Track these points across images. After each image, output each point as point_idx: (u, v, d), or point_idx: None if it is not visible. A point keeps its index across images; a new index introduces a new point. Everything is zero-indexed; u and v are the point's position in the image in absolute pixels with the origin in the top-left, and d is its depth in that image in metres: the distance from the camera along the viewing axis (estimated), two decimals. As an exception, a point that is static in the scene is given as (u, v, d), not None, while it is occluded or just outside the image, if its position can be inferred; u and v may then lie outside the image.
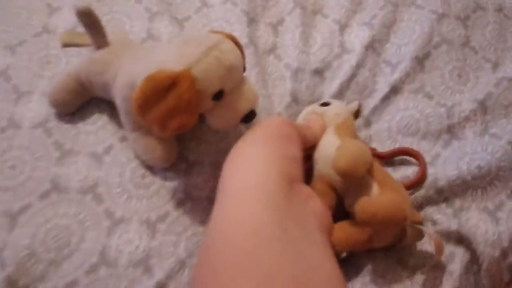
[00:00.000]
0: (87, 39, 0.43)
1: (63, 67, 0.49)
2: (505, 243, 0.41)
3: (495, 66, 0.53)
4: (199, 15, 0.57)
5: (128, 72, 0.39)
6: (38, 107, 0.46)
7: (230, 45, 0.36)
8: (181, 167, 0.44)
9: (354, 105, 0.45)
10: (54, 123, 0.46)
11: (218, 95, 0.36)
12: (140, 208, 0.42)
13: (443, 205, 0.44)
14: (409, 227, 0.38)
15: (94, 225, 0.41)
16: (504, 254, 0.40)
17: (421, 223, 0.39)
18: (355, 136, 0.43)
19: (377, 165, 0.40)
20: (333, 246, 0.36)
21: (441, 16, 0.56)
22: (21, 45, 0.51)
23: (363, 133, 0.50)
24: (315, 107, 0.44)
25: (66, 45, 0.45)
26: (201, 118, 0.41)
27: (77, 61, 0.46)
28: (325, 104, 0.44)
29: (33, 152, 0.44)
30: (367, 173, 0.38)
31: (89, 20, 0.40)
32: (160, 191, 0.43)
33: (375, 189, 0.37)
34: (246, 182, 0.31)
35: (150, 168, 0.44)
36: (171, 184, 0.43)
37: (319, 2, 0.59)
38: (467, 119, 0.48)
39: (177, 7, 0.57)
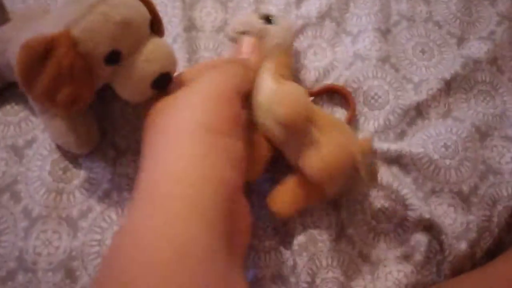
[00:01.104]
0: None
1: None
2: (473, 234, 0.38)
3: (460, 41, 0.50)
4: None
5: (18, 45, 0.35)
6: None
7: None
8: (109, 155, 0.40)
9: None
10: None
11: (113, 58, 0.31)
12: (60, 204, 0.38)
13: (414, 187, 0.40)
14: (362, 169, 0.34)
15: (11, 226, 0.37)
16: (471, 246, 0.38)
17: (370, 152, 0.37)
18: (290, 73, 0.38)
19: (312, 105, 0.36)
20: (278, 215, 0.35)
21: None
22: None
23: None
24: (255, 20, 0.38)
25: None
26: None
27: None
28: (268, 19, 0.38)
29: None
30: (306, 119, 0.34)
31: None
32: (83, 184, 0.39)
33: (316, 135, 0.34)
34: (176, 186, 0.25)
35: (75, 160, 0.40)
36: (96, 175, 0.39)
37: None
38: (433, 98, 0.45)
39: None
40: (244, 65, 0.35)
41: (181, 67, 0.43)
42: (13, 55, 0.36)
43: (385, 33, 0.49)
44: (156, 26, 0.35)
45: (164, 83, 0.33)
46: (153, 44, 0.32)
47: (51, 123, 0.37)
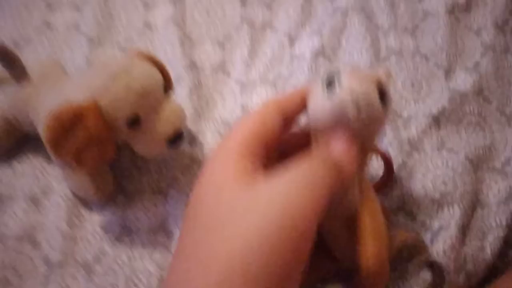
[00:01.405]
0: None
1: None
2: (470, 266, 0.40)
3: (447, 72, 0.53)
4: (142, 37, 0.56)
5: (42, 108, 0.38)
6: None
7: (142, 68, 0.35)
8: (119, 200, 0.43)
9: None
10: (-11, 166, 0.45)
11: (134, 122, 0.34)
12: (76, 250, 0.41)
13: (422, 229, 0.43)
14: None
15: (32, 273, 0.40)
16: (469, 277, 0.41)
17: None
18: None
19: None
20: None
21: (388, 30, 0.56)
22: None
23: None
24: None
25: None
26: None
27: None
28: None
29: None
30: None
31: (4, 57, 0.40)
32: (96, 230, 0.42)
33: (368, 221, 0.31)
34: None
35: (88, 206, 0.43)
36: (108, 220, 0.42)
37: (267, 16, 0.58)
38: (424, 132, 0.48)
39: (119, 32, 0.56)
40: (338, 173, 0.26)
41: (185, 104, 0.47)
42: (34, 111, 0.39)
43: (377, 68, 0.53)
44: (167, 84, 0.38)
45: (178, 141, 0.36)
46: (167, 107, 0.36)
47: (72, 177, 0.40)
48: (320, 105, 0.27)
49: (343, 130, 0.27)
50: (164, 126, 0.35)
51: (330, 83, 0.27)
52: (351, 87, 0.26)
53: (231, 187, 0.24)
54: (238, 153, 0.26)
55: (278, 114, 0.29)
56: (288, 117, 0.29)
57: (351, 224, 0.30)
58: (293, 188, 0.23)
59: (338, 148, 0.27)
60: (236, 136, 0.27)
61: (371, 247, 0.29)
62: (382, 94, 0.27)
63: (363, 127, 0.27)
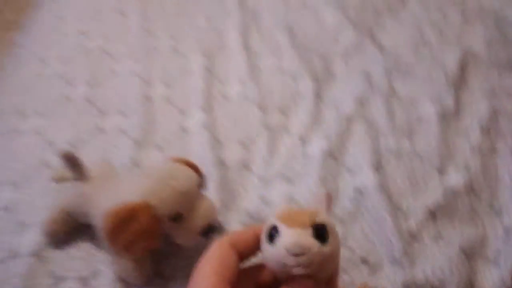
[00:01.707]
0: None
1: (57, 199, 0.58)
2: None
3: (441, 171, 0.61)
4: (179, 141, 0.67)
5: (101, 205, 0.47)
6: (34, 237, 0.54)
7: (183, 172, 0.44)
8: (156, 283, 0.50)
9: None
10: (48, 251, 0.53)
11: (177, 217, 0.43)
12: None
13: None
14: None
15: None
16: None
17: None
18: None
19: None
20: None
21: (387, 134, 0.66)
22: (25, 180, 0.61)
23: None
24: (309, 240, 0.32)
25: (57, 180, 0.54)
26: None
27: (65, 195, 0.55)
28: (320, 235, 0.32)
29: (27, 279, 0.50)
30: None
31: (70, 160, 0.50)
32: (137, 309, 0.48)
33: None
34: None
35: (130, 287, 0.50)
36: (148, 301, 0.49)
37: (283, 121, 0.69)
38: (422, 224, 0.55)
39: (159, 135, 0.67)
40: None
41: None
42: (91, 206, 0.48)
43: (377, 168, 0.61)
44: (201, 182, 0.47)
45: (211, 232, 0.44)
46: (202, 204, 0.45)
47: (118, 262, 0.48)
48: (268, 255, 0.32)
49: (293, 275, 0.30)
50: (199, 220, 0.44)
51: (271, 235, 0.31)
52: (285, 239, 0.30)
53: None
54: None
55: (233, 251, 0.33)
56: (242, 253, 0.33)
57: None
58: None
59: None
60: (201, 280, 0.31)
61: None
62: (321, 231, 0.30)
63: (312, 268, 0.30)
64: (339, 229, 0.44)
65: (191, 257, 0.52)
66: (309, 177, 0.61)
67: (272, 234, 0.31)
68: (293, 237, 0.30)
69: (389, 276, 0.50)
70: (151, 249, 0.43)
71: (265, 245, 0.32)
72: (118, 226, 0.41)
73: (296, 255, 0.29)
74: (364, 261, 0.52)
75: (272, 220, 0.32)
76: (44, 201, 0.58)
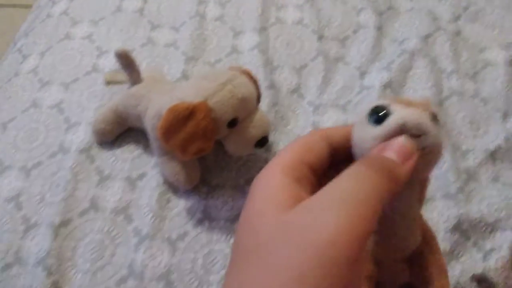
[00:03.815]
0: (126, 77, 0.52)
1: (106, 101, 0.59)
2: None
3: (505, 116, 0.60)
4: (229, 58, 0.66)
5: (156, 105, 0.47)
6: (83, 136, 0.56)
7: (243, 80, 0.44)
8: (203, 190, 0.51)
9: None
10: (96, 150, 0.55)
11: (232, 123, 0.43)
12: (163, 227, 0.49)
13: (474, 250, 0.48)
14: None
15: (124, 241, 0.48)
16: None
17: None
18: None
19: None
20: None
21: (451, 73, 0.63)
22: (74, 82, 0.62)
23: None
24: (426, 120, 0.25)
25: (109, 83, 0.55)
26: (221, 146, 0.48)
27: (117, 96, 0.55)
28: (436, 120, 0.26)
29: (77, 174, 0.53)
30: None
31: (125, 60, 0.50)
32: (181, 213, 0.50)
33: None
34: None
35: (176, 192, 0.51)
36: (192, 206, 0.50)
37: (341, 51, 0.67)
38: (480, 165, 0.54)
39: (210, 52, 0.67)
40: (392, 178, 0.23)
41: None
42: (144, 108, 0.48)
43: (437, 105, 0.60)
44: (258, 97, 0.47)
45: (264, 143, 0.44)
46: (259, 114, 0.44)
47: (168, 163, 0.49)
48: (367, 137, 0.25)
49: None
50: (254, 130, 0.44)
51: (378, 116, 0.25)
52: (403, 116, 0.24)
53: (272, 212, 0.22)
54: (282, 178, 0.24)
55: (324, 141, 0.27)
56: (334, 147, 0.27)
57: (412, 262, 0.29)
58: (341, 209, 0.21)
59: (392, 150, 0.24)
60: (281, 160, 0.25)
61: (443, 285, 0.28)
62: (435, 120, 0.25)
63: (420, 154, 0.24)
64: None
65: (237, 170, 0.53)
66: (363, 103, 0.59)
67: (379, 114, 0.25)
68: (413, 115, 0.24)
69: (441, 210, 0.50)
70: (203, 152, 0.43)
71: (364, 126, 0.25)
72: (177, 123, 0.41)
73: (413, 135, 0.24)
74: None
75: (379, 101, 0.26)
76: (93, 102, 0.59)
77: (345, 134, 0.27)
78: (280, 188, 0.24)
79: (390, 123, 0.24)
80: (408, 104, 0.25)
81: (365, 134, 0.25)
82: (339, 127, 0.28)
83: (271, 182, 0.24)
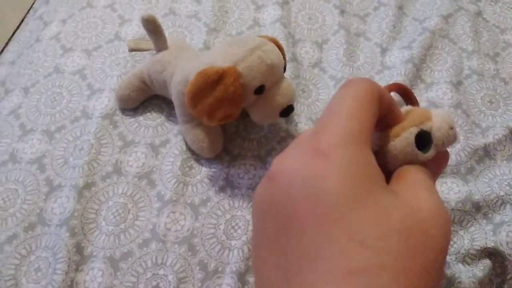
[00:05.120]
0: (150, 45, 0.52)
1: (129, 68, 0.59)
2: None
3: None
4: (251, 31, 0.65)
5: (182, 70, 0.47)
6: (107, 102, 0.56)
7: (272, 46, 0.43)
8: (225, 159, 0.52)
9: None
10: (119, 116, 0.55)
11: (260, 90, 0.43)
12: (186, 192, 0.49)
13: (483, 222, 0.48)
14: None
15: (147, 205, 0.49)
16: None
17: None
18: None
19: None
20: None
21: (471, 53, 0.63)
22: (96, 49, 0.62)
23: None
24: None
25: (132, 50, 0.55)
26: (245, 116, 0.48)
27: (140, 64, 0.55)
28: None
29: (100, 138, 0.53)
30: None
31: (152, 25, 0.49)
32: (204, 179, 0.50)
33: None
34: None
35: (198, 160, 0.52)
36: (214, 173, 0.50)
37: (362, 27, 0.67)
38: (499, 142, 0.54)
39: (232, 25, 0.66)
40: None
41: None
42: (169, 75, 0.48)
43: (456, 84, 0.59)
44: (284, 62, 0.47)
45: (289, 112, 0.44)
46: (285, 83, 0.44)
47: (192, 131, 0.49)
48: (417, 156, 0.27)
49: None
50: (281, 98, 0.44)
51: (422, 141, 0.27)
52: (443, 138, 0.27)
53: (347, 179, 0.20)
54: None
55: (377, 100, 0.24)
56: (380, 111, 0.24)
57: None
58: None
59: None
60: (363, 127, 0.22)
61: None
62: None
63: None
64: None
65: (258, 141, 0.53)
66: (385, 83, 0.59)
67: (424, 139, 0.27)
68: (450, 137, 0.27)
69: (451, 186, 0.50)
70: (230, 118, 0.43)
71: (410, 147, 0.27)
72: (205, 88, 0.41)
73: (451, 128, 0.27)
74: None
75: (421, 126, 0.27)
76: (116, 70, 0.59)
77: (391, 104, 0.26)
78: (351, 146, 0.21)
79: (433, 151, 0.27)
80: (423, 117, 0.27)
81: (412, 156, 0.27)
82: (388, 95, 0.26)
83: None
